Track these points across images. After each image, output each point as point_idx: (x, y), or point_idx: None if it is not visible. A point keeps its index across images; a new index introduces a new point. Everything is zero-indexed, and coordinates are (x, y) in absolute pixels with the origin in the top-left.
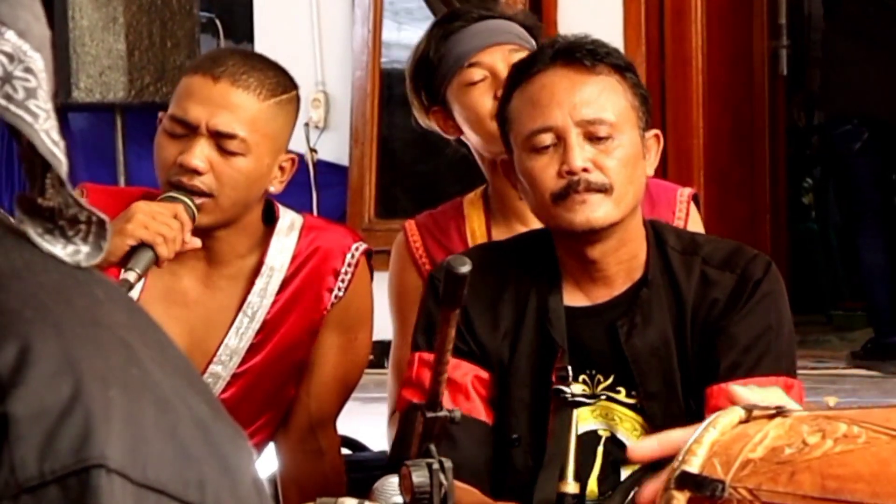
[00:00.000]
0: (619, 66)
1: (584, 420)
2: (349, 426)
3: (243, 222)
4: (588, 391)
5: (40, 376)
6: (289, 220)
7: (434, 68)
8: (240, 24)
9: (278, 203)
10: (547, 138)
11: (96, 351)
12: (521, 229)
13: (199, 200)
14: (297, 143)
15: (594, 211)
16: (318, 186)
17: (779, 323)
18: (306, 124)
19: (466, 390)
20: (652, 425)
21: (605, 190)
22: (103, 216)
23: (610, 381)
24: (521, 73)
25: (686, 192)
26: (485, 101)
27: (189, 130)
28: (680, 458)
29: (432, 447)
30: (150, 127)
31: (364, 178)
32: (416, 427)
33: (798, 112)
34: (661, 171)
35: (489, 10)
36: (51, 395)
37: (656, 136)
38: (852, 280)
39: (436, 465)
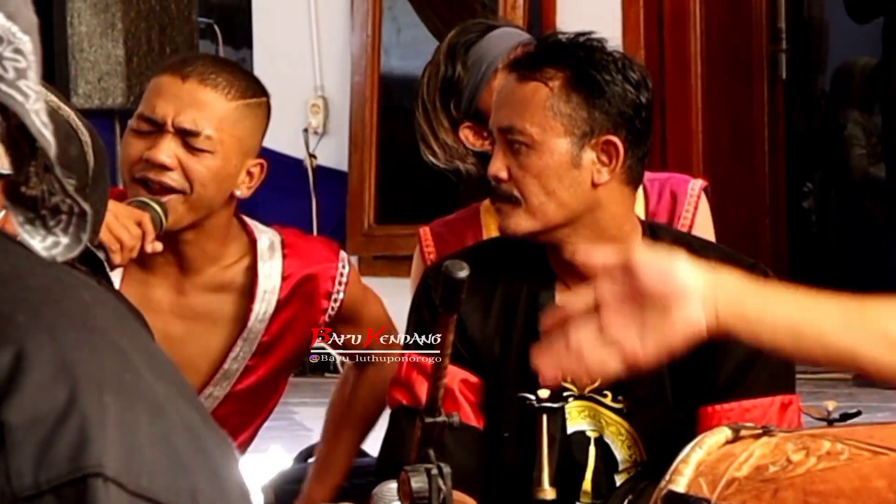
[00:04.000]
0: (579, 69)
1: (573, 420)
2: None
3: (210, 225)
4: (575, 391)
5: (36, 383)
6: (267, 241)
7: (462, 81)
8: (239, 29)
9: (250, 217)
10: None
11: (91, 356)
12: None
13: (167, 197)
14: (297, 149)
15: (505, 220)
16: (317, 192)
17: None
18: (305, 130)
19: (454, 395)
20: (641, 433)
21: (512, 201)
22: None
23: (597, 383)
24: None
25: (697, 184)
26: None
27: (156, 127)
28: (667, 477)
29: (431, 452)
30: None
31: (363, 184)
32: (415, 432)
33: (798, 116)
34: None
35: (495, 21)
36: (46, 402)
37: (607, 142)
38: (853, 285)
39: (434, 471)
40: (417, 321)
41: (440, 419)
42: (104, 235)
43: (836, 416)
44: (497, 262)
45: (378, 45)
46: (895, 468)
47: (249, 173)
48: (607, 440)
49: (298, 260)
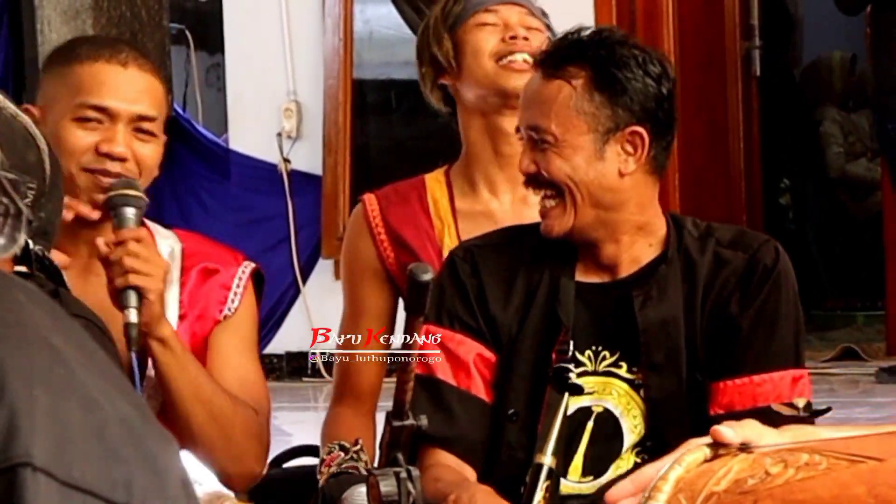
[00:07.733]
0: (600, 67)
1: (580, 397)
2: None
3: None
4: (591, 367)
5: None
6: (168, 248)
7: (454, 13)
8: (210, 34)
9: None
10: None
11: (19, 350)
12: (487, 199)
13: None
14: (271, 153)
15: (547, 221)
16: (292, 196)
17: (787, 314)
18: (279, 134)
19: (468, 367)
20: (647, 398)
21: (556, 192)
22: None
23: (615, 357)
24: None
25: None
26: (490, 40)
27: (106, 117)
28: (646, 494)
29: (400, 456)
30: None
31: (338, 187)
32: (384, 435)
33: (773, 113)
34: None
35: None
36: None
37: (633, 132)
38: (832, 280)
39: (403, 474)
40: (439, 294)
41: (408, 423)
42: (136, 279)
43: (805, 413)
44: (522, 244)
45: (350, 49)
46: (874, 475)
47: None
48: (611, 408)
49: (197, 261)
